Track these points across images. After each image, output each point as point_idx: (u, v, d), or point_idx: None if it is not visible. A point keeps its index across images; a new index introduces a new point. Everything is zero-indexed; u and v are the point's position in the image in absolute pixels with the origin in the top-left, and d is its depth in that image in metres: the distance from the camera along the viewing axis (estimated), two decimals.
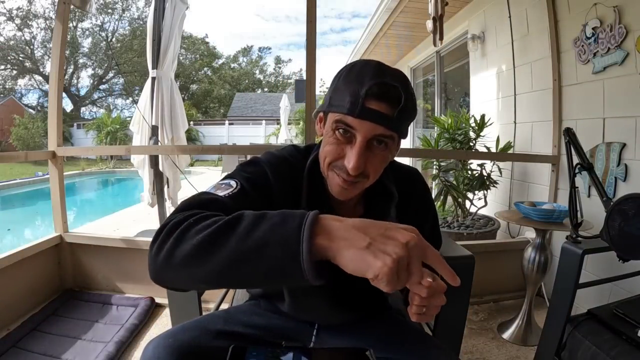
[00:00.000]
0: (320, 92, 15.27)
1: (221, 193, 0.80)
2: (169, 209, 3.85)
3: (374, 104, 0.77)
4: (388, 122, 0.78)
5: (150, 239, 0.65)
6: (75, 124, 22.57)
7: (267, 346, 1.04)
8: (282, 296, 1.05)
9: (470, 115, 3.39)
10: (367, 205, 0.99)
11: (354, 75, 0.80)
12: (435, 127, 3.64)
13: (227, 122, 22.59)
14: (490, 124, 3.18)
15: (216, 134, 21.40)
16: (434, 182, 3.41)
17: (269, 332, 1.06)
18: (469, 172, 3.17)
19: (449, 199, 3.19)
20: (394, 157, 0.92)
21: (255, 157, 0.96)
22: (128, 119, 17.99)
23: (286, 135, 13.70)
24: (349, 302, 1.05)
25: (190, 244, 0.60)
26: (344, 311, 1.07)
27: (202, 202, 0.75)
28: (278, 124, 17.43)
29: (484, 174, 3.11)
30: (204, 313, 1.22)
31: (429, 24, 3.02)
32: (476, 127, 3.16)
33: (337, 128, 0.81)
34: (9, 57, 25.29)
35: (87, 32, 27.67)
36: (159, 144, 3.36)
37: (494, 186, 3.12)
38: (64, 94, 2.81)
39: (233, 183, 0.84)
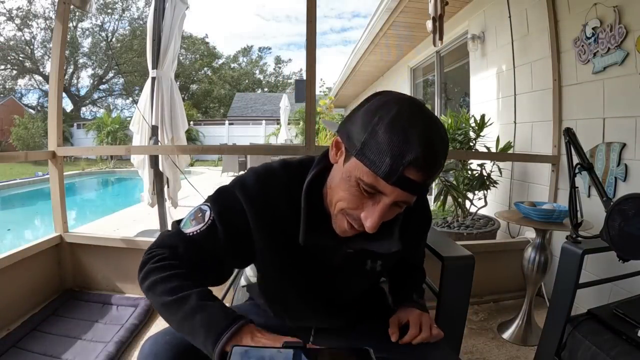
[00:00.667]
0: (320, 92, 15.30)
1: (193, 228, 0.87)
2: (169, 209, 3.86)
3: (414, 173, 0.70)
4: (420, 191, 0.74)
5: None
6: (75, 124, 22.56)
7: (267, 346, 1.04)
8: (280, 303, 1.07)
9: (470, 115, 3.38)
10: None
11: (400, 130, 0.70)
12: None
13: (227, 122, 22.58)
14: (490, 124, 3.17)
15: (216, 134, 21.39)
16: (434, 183, 3.41)
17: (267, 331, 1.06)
18: (469, 172, 3.17)
19: (449, 199, 3.19)
20: None
21: (232, 184, 0.92)
22: (128, 119, 18.00)
23: (286, 135, 13.69)
24: (346, 308, 1.06)
25: (155, 300, 0.81)
26: (341, 317, 1.08)
27: (175, 242, 0.87)
28: (278, 124, 17.41)
29: (484, 174, 3.10)
30: None
31: (429, 24, 3.02)
32: (476, 127, 3.16)
33: (364, 186, 0.74)
34: (9, 57, 25.31)
35: (87, 32, 27.74)
36: (159, 144, 3.36)
37: (494, 186, 3.12)
38: (64, 94, 2.81)
39: (207, 215, 0.88)
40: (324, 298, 1.01)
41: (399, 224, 0.88)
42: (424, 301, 1.11)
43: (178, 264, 0.83)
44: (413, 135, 0.69)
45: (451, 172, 3.27)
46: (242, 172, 0.95)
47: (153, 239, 0.89)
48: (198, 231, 0.86)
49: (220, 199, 0.90)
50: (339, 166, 0.80)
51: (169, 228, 0.94)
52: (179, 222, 0.92)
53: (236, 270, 1.70)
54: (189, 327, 0.76)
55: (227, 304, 1.32)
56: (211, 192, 0.94)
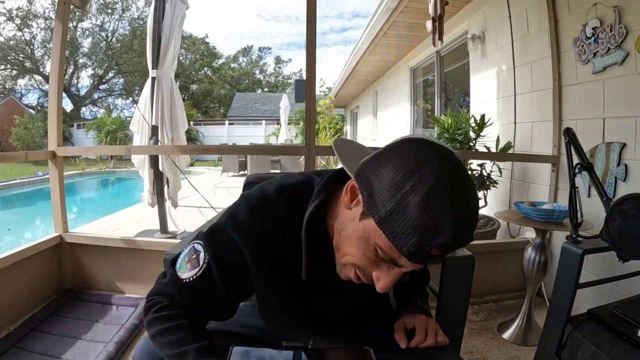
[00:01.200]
0: (320, 92, 15.30)
1: (188, 273, 0.84)
2: (169, 208, 3.86)
3: (437, 252, 0.66)
4: (435, 261, 0.70)
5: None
6: (75, 124, 22.57)
7: (267, 346, 1.04)
8: (278, 325, 1.05)
9: (470, 115, 3.38)
10: None
11: (434, 210, 0.62)
12: (435, 127, 3.63)
13: (227, 122, 22.59)
14: (490, 124, 3.17)
15: (216, 134, 21.40)
16: None
17: (266, 333, 1.07)
18: (469, 172, 3.17)
19: None
20: None
21: (225, 220, 0.85)
22: (128, 119, 18.01)
23: (286, 135, 13.70)
24: (348, 319, 1.05)
25: (159, 350, 0.80)
26: (343, 328, 1.06)
27: (172, 291, 0.84)
28: (278, 124, 17.43)
29: (484, 173, 3.10)
30: None
31: (429, 24, 3.02)
32: (476, 127, 3.16)
33: (383, 254, 0.69)
34: (9, 57, 25.32)
35: (87, 32, 27.77)
36: (159, 144, 3.36)
37: (494, 186, 3.12)
38: (64, 94, 2.81)
39: (202, 258, 0.84)
40: (325, 318, 1.00)
41: None
42: (428, 305, 1.12)
43: (178, 313, 0.82)
44: (447, 218, 0.62)
45: None
46: (236, 200, 0.88)
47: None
48: (194, 277, 0.83)
49: (213, 239, 0.85)
50: (352, 216, 0.73)
51: (165, 269, 0.91)
52: (174, 262, 0.89)
53: None
54: None
55: None
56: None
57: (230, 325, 1.03)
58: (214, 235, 0.85)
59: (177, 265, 0.87)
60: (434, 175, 0.63)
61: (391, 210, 0.64)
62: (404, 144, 0.71)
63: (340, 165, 0.84)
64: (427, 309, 1.08)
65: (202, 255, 0.84)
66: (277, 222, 0.83)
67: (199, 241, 0.86)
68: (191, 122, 20.38)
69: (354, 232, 0.72)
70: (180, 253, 0.89)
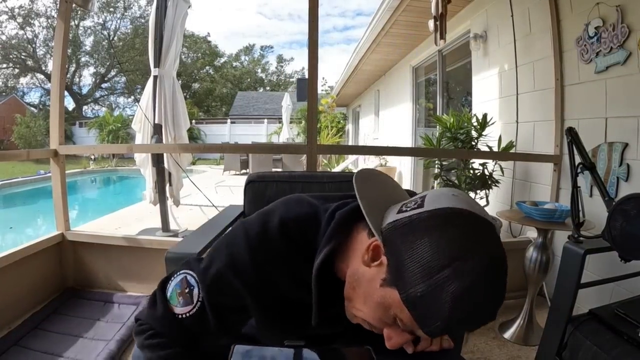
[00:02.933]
0: (322, 90, 15.29)
1: (181, 309, 0.79)
2: (171, 207, 3.87)
3: (464, 327, 0.66)
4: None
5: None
6: (77, 123, 22.61)
7: (269, 345, 1.04)
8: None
9: (472, 115, 3.38)
10: None
11: (467, 308, 0.60)
12: (437, 127, 3.63)
13: (228, 120, 22.62)
14: (492, 124, 3.17)
15: (218, 132, 21.44)
16: (435, 182, 3.40)
17: (266, 332, 1.06)
18: (471, 171, 3.16)
19: None
20: None
21: (223, 265, 0.79)
22: (130, 117, 18.02)
23: (288, 134, 13.71)
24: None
25: None
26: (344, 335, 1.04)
27: (164, 323, 0.80)
28: (280, 122, 17.43)
29: (486, 173, 3.10)
30: None
31: (431, 23, 3.01)
32: (478, 127, 3.15)
33: (400, 325, 0.67)
34: (11, 56, 25.37)
35: (89, 31, 27.77)
36: (162, 142, 3.37)
37: (495, 185, 3.12)
38: (65, 93, 2.81)
39: (195, 295, 0.79)
40: (326, 337, 0.96)
41: None
42: None
43: (170, 342, 0.79)
44: (478, 312, 0.62)
45: (453, 171, 3.26)
46: (233, 232, 0.82)
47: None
48: (187, 315, 0.79)
49: (210, 282, 0.79)
50: (371, 276, 0.68)
51: (155, 291, 0.85)
52: (163, 286, 0.84)
53: None
54: None
55: None
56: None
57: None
58: (210, 278, 0.79)
59: (168, 294, 0.82)
60: (476, 271, 0.59)
61: (422, 293, 0.60)
62: (449, 221, 0.63)
63: (352, 195, 0.77)
64: None
65: (195, 291, 0.79)
66: (280, 264, 0.78)
67: (192, 273, 0.81)
68: (193, 121, 20.42)
69: (372, 296, 0.68)
70: (170, 277, 0.84)
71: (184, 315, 0.79)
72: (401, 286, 0.62)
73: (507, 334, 2.22)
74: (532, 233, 2.61)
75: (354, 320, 0.75)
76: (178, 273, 0.83)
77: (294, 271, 0.77)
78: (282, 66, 43.22)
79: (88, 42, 28.18)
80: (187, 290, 0.79)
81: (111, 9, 27.50)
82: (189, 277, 0.81)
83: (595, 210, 1.96)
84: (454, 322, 0.59)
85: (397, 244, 0.64)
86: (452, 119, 3.26)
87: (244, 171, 11.43)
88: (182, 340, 0.81)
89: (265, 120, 21.64)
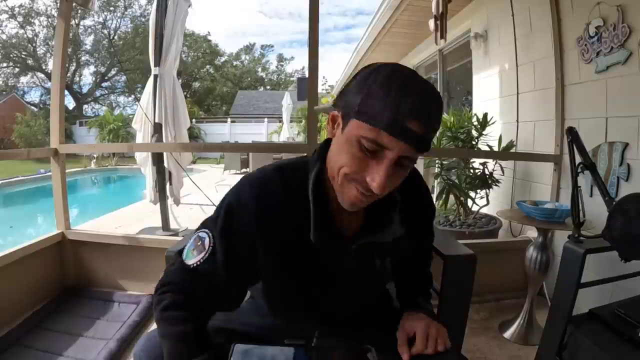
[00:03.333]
0: (323, 90, 15.26)
1: (195, 259, 0.86)
2: (171, 206, 3.87)
3: (414, 124, 0.71)
4: (421, 144, 0.74)
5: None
6: (77, 122, 22.60)
7: (268, 344, 1.04)
8: (282, 316, 1.06)
9: (473, 114, 3.38)
10: (368, 214, 0.93)
11: (396, 83, 0.71)
12: None
13: (229, 120, 22.58)
14: (493, 123, 3.17)
15: (218, 131, 21.41)
16: (436, 181, 3.41)
17: (268, 331, 1.06)
18: (471, 170, 3.17)
19: (451, 197, 3.18)
20: None
21: (227, 201, 0.88)
22: (130, 116, 18.00)
23: (288, 133, 13.71)
24: (351, 317, 1.05)
25: (162, 341, 0.82)
26: (347, 326, 1.05)
27: (179, 278, 0.87)
28: (280, 122, 17.40)
29: (486, 172, 3.10)
30: None
31: (432, 23, 3.01)
32: (478, 126, 3.15)
33: (367, 142, 0.73)
34: (11, 55, 25.35)
35: (89, 30, 27.74)
36: (162, 141, 3.37)
37: (496, 185, 3.12)
38: (66, 92, 2.81)
39: (207, 243, 0.86)
40: (331, 316, 1.00)
41: (398, 209, 0.88)
42: (431, 305, 1.11)
43: (183, 315, 0.83)
44: (409, 86, 0.71)
45: (453, 170, 3.26)
46: (236, 183, 0.90)
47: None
48: (200, 261, 0.85)
49: (217, 221, 0.87)
50: (337, 136, 0.79)
51: (172, 262, 0.93)
52: (180, 252, 0.91)
53: None
54: None
55: None
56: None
57: (231, 323, 1.04)
58: (219, 215, 0.87)
59: (184, 255, 0.89)
60: (390, 65, 0.75)
61: (362, 101, 0.72)
62: (362, 69, 0.79)
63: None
64: (429, 309, 1.07)
65: (207, 240, 0.86)
66: (279, 196, 0.85)
67: (203, 229, 0.89)
68: (193, 120, 20.39)
69: (341, 143, 0.78)
70: (185, 245, 0.92)
71: (197, 263, 0.85)
72: (350, 112, 0.74)
73: (507, 334, 2.22)
74: (532, 233, 2.61)
75: (346, 195, 0.80)
76: (191, 236, 0.92)
77: (293, 200, 0.85)
78: (282, 65, 43.27)
79: (88, 41, 28.18)
80: (199, 243, 0.87)
81: (111, 8, 27.48)
82: (200, 234, 0.89)
83: (596, 210, 1.95)
84: (395, 103, 0.70)
85: (340, 99, 0.79)
86: (452, 119, 3.26)
87: (244, 170, 11.43)
88: (195, 302, 0.85)
89: (266, 120, 21.61)
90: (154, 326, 2.06)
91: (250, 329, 1.06)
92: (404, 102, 0.70)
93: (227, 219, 0.86)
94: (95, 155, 15.25)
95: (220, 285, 0.86)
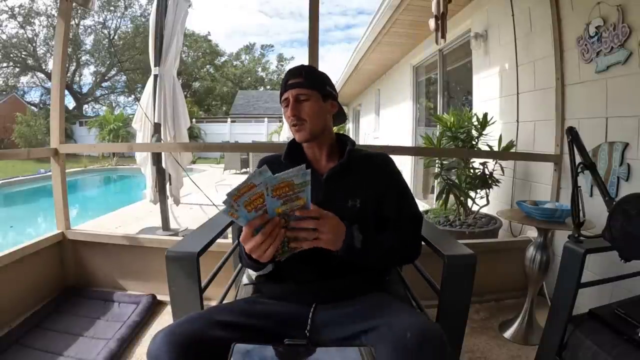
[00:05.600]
0: None
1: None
2: (171, 206, 3.87)
3: (291, 80, 1.29)
4: (301, 85, 1.27)
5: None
6: (77, 122, 22.60)
7: (268, 344, 1.05)
8: (285, 276, 1.27)
9: (473, 114, 3.38)
10: (331, 153, 1.37)
11: (283, 77, 1.34)
12: (438, 126, 3.62)
13: (229, 119, 22.59)
14: (493, 123, 3.17)
15: (218, 131, 21.42)
16: (436, 181, 3.40)
17: (269, 320, 1.14)
18: (471, 170, 3.16)
19: (451, 197, 3.18)
20: (330, 111, 1.35)
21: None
22: (131, 116, 18.00)
23: (288, 133, 13.63)
24: (344, 269, 1.20)
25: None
26: (341, 280, 1.21)
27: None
28: (280, 122, 17.37)
29: (486, 172, 3.10)
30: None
31: (432, 22, 3.01)
32: (478, 126, 3.15)
33: (282, 103, 1.32)
34: (11, 55, 25.32)
35: (89, 30, 27.68)
36: (162, 141, 3.36)
37: (496, 185, 3.12)
38: (66, 92, 2.81)
39: None
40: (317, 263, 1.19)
41: (350, 148, 1.32)
42: (372, 251, 1.17)
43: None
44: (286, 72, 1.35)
45: (453, 170, 3.26)
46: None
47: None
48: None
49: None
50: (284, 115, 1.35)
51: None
52: None
53: (238, 269, 1.71)
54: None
55: (231, 300, 1.34)
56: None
57: (236, 316, 1.10)
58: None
59: None
60: None
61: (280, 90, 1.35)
62: None
63: None
64: (357, 242, 1.12)
65: None
66: (276, 157, 1.42)
67: None
68: (193, 120, 20.39)
69: (283, 113, 1.34)
70: None
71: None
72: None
73: (507, 334, 2.22)
74: (532, 233, 2.61)
75: (294, 133, 1.35)
76: None
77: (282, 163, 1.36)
78: (282, 65, 43.15)
79: (88, 41, 28.12)
80: None
81: (112, 8, 27.45)
82: None
83: (596, 210, 1.95)
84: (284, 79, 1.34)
85: None
86: (452, 118, 3.26)
87: (244, 170, 11.45)
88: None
89: (266, 119, 21.61)
90: (154, 326, 2.09)
91: (253, 321, 1.13)
92: (285, 76, 1.33)
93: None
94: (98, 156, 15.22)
95: None
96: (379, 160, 1.37)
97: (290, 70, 1.33)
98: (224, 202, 0.91)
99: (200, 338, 0.99)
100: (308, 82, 1.28)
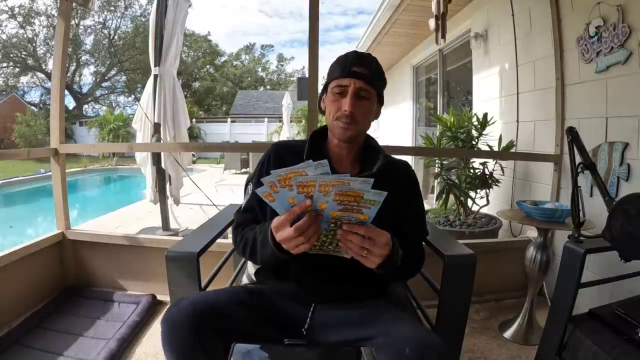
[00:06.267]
0: None
1: (244, 201, 1.31)
2: (171, 206, 3.87)
3: (356, 67, 1.13)
4: (367, 79, 1.14)
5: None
6: (77, 122, 22.59)
7: (268, 343, 1.05)
8: (287, 275, 1.20)
9: (473, 114, 3.38)
10: (360, 157, 1.28)
11: (341, 58, 1.18)
12: (438, 126, 3.62)
13: (229, 119, 22.58)
14: (493, 123, 3.17)
15: (218, 131, 21.42)
16: (436, 181, 3.40)
17: (270, 312, 1.15)
18: (471, 170, 3.17)
19: (451, 197, 3.19)
20: (376, 118, 1.24)
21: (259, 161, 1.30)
22: (131, 116, 17.99)
23: (288, 133, 13.68)
24: (345, 275, 1.16)
25: (245, 257, 1.22)
26: (341, 286, 1.18)
27: (239, 220, 1.29)
28: (280, 121, 17.38)
29: (486, 172, 3.10)
30: None
31: (432, 22, 3.01)
32: (478, 126, 3.15)
33: (334, 88, 1.16)
34: (11, 55, 25.30)
35: (89, 30, 27.64)
36: (161, 141, 3.37)
37: (496, 185, 3.12)
38: (66, 92, 2.81)
39: (250, 188, 1.30)
40: (321, 265, 1.12)
41: (382, 155, 1.23)
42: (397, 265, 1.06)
43: (241, 230, 1.24)
44: (348, 55, 1.18)
45: (453, 170, 3.26)
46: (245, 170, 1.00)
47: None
48: (246, 202, 1.29)
49: (255, 175, 1.29)
50: (326, 104, 1.21)
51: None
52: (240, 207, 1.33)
53: (239, 265, 1.70)
54: (259, 256, 1.10)
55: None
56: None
57: (238, 306, 1.09)
58: (255, 171, 1.32)
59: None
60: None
61: (326, 77, 1.22)
62: None
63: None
64: (397, 264, 1.05)
65: (251, 184, 1.30)
66: (297, 143, 1.32)
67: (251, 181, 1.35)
68: (193, 120, 20.40)
69: (327, 103, 1.20)
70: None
71: (244, 204, 1.29)
72: (325, 84, 1.23)
73: (507, 334, 2.22)
74: (532, 233, 2.61)
75: (335, 129, 1.18)
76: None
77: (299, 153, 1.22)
78: (282, 65, 43.19)
79: (88, 41, 28.06)
80: (250, 189, 1.31)
81: (112, 8, 27.42)
82: (251, 182, 1.34)
83: (596, 210, 1.95)
84: (341, 60, 1.18)
85: (324, 86, 1.26)
86: (452, 118, 3.26)
87: (244, 170, 11.44)
88: (245, 223, 1.25)
89: (266, 119, 21.60)
90: (154, 326, 2.09)
91: (255, 314, 1.11)
92: (347, 58, 1.16)
93: (257, 169, 1.29)
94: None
95: (256, 214, 1.24)
96: (403, 174, 1.31)
97: (358, 54, 1.17)
98: (262, 180, 0.87)
99: (221, 311, 1.03)
100: (375, 78, 1.16)
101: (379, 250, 0.95)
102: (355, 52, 1.18)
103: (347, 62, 1.14)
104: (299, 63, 46.66)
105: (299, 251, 0.94)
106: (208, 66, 35.70)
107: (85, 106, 30.02)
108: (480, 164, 3.14)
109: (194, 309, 0.97)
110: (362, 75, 1.12)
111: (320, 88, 1.37)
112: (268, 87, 39.34)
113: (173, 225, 3.94)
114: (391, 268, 1.02)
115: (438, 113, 5.14)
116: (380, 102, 1.23)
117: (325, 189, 0.85)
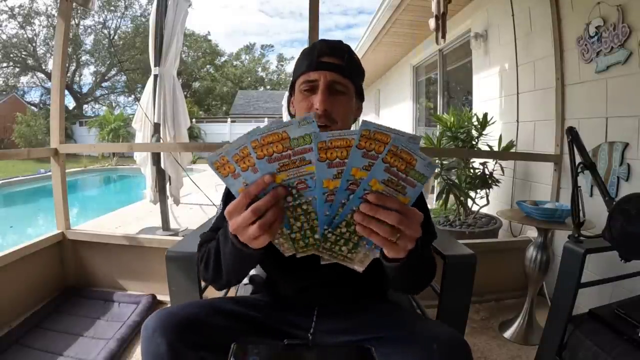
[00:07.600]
0: None
1: (213, 219, 1.11)
2: (171, 206, 3.87)
3: (326, 57, 0.97)
4: (340, 70, 0.97)
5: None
6: (77, 122, 22.60)
7: (268, 343, 1.05)
8: (284, 281, 1.12)
9: (473, 114, 3.38)
10: None
11: (307, 50, 1.04)
12: (438, 126, 3.62)
13: (229, 119, 22.61)
14: (493, 123, 3.17)
15: (218, 131, 21.43)
16: (436, 181, 3.40)
17: (271, 318, 1.09)
18: (471, 170, 3.17)
19: (451, 197, 3.18)
20: (355, 115, 1.06)
21: None
22: (131, 116, 17.98)
23: None
24: (348, 280, 1.02)
25: (209, 277, 0.97)
26: (343, 291, 1.11)
27: (203, 238, 1.06)
28: None
29: (486, 172, 3.10)
30: None
31: (432, 22, 3.01)
32: (478, 126, 3.15)
33: (302, 85, 0.99)
34: (11, 55, 25.32)
35: (89, 30, 27.70)
36: (161, 141, 3.36)
37: (496, 185, 3.12)
38: (66, 92, 2.81)
39: (219, 207, 1.11)
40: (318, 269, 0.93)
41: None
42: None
43: (203, 249, 1.01)
44: (316, 43, 1.02)
45: (453, 170, 3.26)
46: None
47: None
48: (215, 217, 1.10)
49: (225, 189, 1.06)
50: (295, 105, 1.05)
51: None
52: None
53: None
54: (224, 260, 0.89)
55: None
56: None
57: (239, 306, 1.06)
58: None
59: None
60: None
61: (293, 73, 1.07)
62: None
63: None
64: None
65: (220, 205, 1.10)
66: None
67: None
68: (193, 120, 20.39)
69: (296, 102, 1.02)
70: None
71: (214, 218, 1.11)
72: (292, 82, 1.07)
73: (507, 334, 2.22)
74: (532, 233, 2.61)
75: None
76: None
77: None
78: (282, 65, 43.28)
79: (88, 41, 28.12)
80: (220, 203, 1.11)
81: (112, 8, 27.45)
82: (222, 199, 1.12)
83: (596, 210, 1.95)
84: (307, 52, 1.02)
85: (290, 84, 1.11)
86: (452, 118, 3.26)
87: None
88: (208, 237, 1.04)
89: (266, 119, 21.58)
90: None
91: (253, 314, 1.08)
92: (314, 48, 1.00)
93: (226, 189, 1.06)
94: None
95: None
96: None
97: (327, 43, 1.00)
98: (221, 152, 0.65)
99: (202, 323, 0.91)
100: (350, 69, 0.99)
101: (413, 232, 0.70)
102: (323, 40, 1.02)
103: (314, 53, 0.97)
104: None
105: (258, 244, 0.72)
106: (208, 66, 35.74)
107: (85, 106, 30.05)
108: (480, 164, 3.14)
109: (167, 323, 0.88)
110: (334, 65, 0.96)
111: None
112: (268, 87, 39.39)
113: (173, 225, 3.94)
114: (415, 258, 0.79)
115: (438, 113, 5.14)
116: (361, 98, 1.07)
117: (361, 148, 0.61)
